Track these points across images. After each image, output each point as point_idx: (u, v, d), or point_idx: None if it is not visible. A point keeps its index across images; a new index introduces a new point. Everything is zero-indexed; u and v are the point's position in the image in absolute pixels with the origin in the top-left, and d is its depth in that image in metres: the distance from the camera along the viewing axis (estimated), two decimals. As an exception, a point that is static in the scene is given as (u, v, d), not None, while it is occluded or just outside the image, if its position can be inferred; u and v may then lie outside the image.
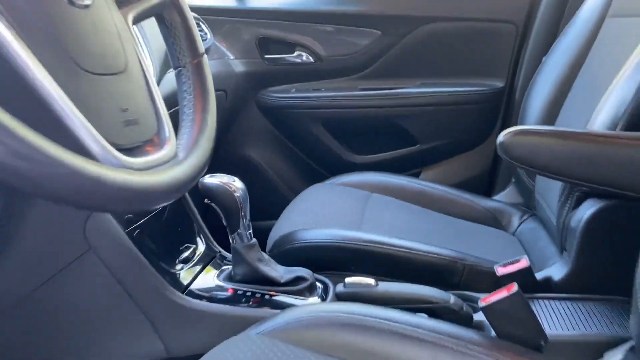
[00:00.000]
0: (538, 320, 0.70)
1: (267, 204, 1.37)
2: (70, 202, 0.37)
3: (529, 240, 1.18)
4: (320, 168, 1.72)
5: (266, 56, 1.65)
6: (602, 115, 0.86)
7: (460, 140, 1.60)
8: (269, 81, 1.67)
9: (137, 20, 0.55)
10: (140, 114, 0.47)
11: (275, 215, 1.20)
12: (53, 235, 0.77)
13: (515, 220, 1.29)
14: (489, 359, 0.64)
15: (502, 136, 0.74)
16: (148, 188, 0.41)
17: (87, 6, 0.46)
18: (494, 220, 1.30)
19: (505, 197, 1.47)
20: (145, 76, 0.51)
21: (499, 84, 1.57)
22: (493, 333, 0.71)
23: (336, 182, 1.36)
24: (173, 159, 0.48)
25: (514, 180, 1.46)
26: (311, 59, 1.66)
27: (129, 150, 0.44)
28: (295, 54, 1.67)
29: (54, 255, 0.77)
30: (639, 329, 0.60)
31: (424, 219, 1.22)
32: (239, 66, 1.59)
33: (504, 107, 1.58)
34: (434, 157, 1.66)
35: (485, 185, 1.61)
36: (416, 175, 1.62)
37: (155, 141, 0.48)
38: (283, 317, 0.68)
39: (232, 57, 1.59)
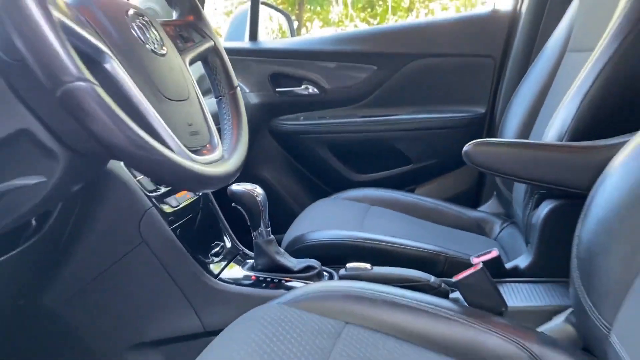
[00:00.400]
0: (499, 291, 0.86)
1: (278, 217, 1.47)
2: (163, 180, 0.56)
3: (507, 243, 1.32)
4: (325, 186, 1.82)
5: (277, 89, 1.77)
6: (552, 130, 1.04)
7: (448, 159, 1.70)
8: (280, 111, 1.79)
9: (191, 62, 0.75)
10: (199, 128, 0.67)
11: (285, 227, 1.33)
12: (115, 230, 0.95)
13: (497, 228, 1.42)
14: (459, 320, 0.79)
15: (466, 147, 0.93)
16: (211, 176, 0.61)
17: (164, 55, 0.66)
18: (479, 228, 1.44)
19: (488, 208, 1.58)
20: (199, 102, 0.71)
21: (481, 109, 1.70)
22: (465, 304, 0.87)
23: (340, 197, 1.49)
24: (221, 159, 0.68)
25: (495, 193, 1.59)
26: (317, 91, 1.77)
27: (193, 151, 0.63)
28: (303, 87, 1.78)
29: (116, 246, 0.95)
30: (575, 298, 0.78)
31: (416, 226, 1.36)
32: (253, 98, 1.73)
33: (486, 129, 1.70)
34: (426, 175, 1.77)
35: (472, 198, 1.72)
36: (411, 191, 1.73)
37: (208, 147, 0.68)
38: (298, 292, 0.84)
39: (247, 91, 1.73)
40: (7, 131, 0.59)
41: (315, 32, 9.03)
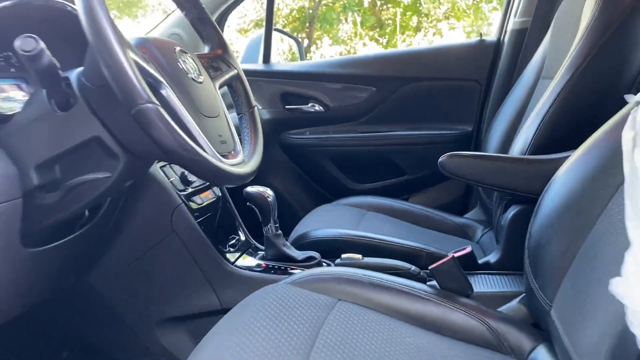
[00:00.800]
0: (466, 277, 1.03)
1: (284, 220, 1.58)
2: (200, 175, 0.76)
3: (487, 246, 1.46)
4: (327, 193, 1.96)
5: (287, 107, 1.92)
6: (518, 145, 1.22)
7: (439, 172, 1.75)
8: (289, 126, 1.93)
9: (220, 87, 0.95)
10: (226, 138, 0.87)
11: (291, 228, 1.47)
12: (150, 222, 1.13)
13: (479, 232, 1.57)
14: (432, 300, 0.95)
15: (441, 158, 1.12)
16: (235, 174, 0.80)
17: (201, 82, 0.87)
18: (463, 233, 1.59)
19: (473, 215, 1.73)
20: (227, 119, 0.91)
21: (468, 127, 1.86)
22: (438, 287, 1.05)
23: (340, 203, 1.64)
24: (242, 162, 0.87)
25: (479, 202, 1.75)
26: (322, 109, 1.91)
27: (222, 156, 0.82)
28: (309, 105, 1.92)
29: (151, 235, 1.14)
30: (525, 282, 0.94)
31: (405, 229, 1.52)
32: (265, 114, 1.90)
33: (473, 145, 1.85)
34: (419, 185, 1.91)
35: (459, 206, 1.87)
36: (405, 200, 1.84)
37: (232, 152, 0.87)
38: (300, 274, 1.01)
39: (260, 107, 1.89)
40: (83, 137, 0.80)
41: (325, 50, 9.19)
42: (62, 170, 0.82)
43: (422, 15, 9.50)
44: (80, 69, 0.80)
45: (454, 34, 9.26)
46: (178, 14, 1.77)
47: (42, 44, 0.70)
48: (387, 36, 9.84)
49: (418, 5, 9.36)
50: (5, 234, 0.80)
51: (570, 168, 0.94)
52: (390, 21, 9.94)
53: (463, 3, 9.48)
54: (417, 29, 9.95)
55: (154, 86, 0.74)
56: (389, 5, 9.79)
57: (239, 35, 8.63)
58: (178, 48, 0.85)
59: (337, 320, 0.87)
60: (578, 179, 0.90)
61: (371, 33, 9.93)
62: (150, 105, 0.67)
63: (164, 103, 0.73)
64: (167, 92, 0.75)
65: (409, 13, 9.62)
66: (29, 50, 0.69)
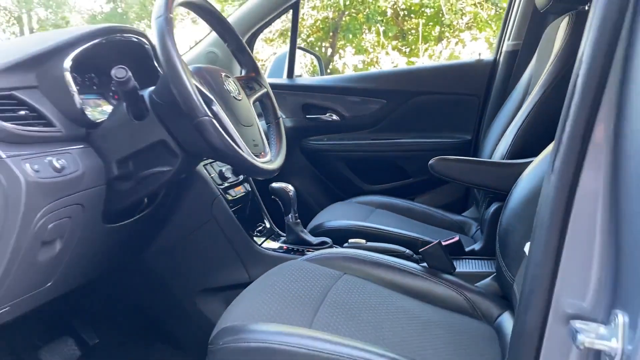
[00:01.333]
0: (450, 258, 1.25)
1: (302, 215, 1.70)
2: (240, 170, 1.02)
3: (479, 239, 1.71)
4: (341, 192, 2.14)
5: (307, 116, 2.12)
6: (499, 150, 1.46)
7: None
8: (309, 133, 2.13)
9: (253, 102, 1.22)
10: (258, 142, 1.13)
11: (308, 222, 1.66)
12: (195, 209, 1.39)
13: (474, 228, 1.75)
14: (421, 275, 1.17)
15: (431, 161, 1.36)
16: (265, 169, 1.06)
17: (240, 100, 1.13)
18: (460, 229, 1.79)
19: (469, 214, 1.92)
20: (259, 128, 1.18)
21: (467, 136, 2.06)
22: (427, 266, 1.28)
23: (352, 201, 1.86)
24: (270, 160, 1.14)
25: (475, 203, 1.94)
26: (338, 118, 2.11)
27: (255, 155, 1.08)
28: (327, 114, 2.11)
29: (194, 220, 1.40)
30: (496, 262, 1.17)
31: (407, 224, 1.74)
32: (288, 123, 2.11)
33: (471, 152, 2.04)
34: (423, 187, 2.11)
35: (458, 206, 2.06)
36: (410, 200, 1.99)
37: (262, 154, 1.14)
38: (314, 253, 1.24)
39: (284, 117, 2.09)
40: (152, 140, 1.07)
41: (348, 59, 9.35)
42: (135, 165, 1.09)
43: (445, 25, 9.60)
44: (151, 88, 1.07)
45: (476, 45, 9.34)
46: (214, 35, 2.04)
47: (129, 73, 0.98)
48: (409, 46, 9.97)
49: (440, 16, 9.48)
50: (93, 211, 1.07)
51: (532, 170, 1.18)
52: (413, 31, 10.08)
53: (485, 14, 9.56)
54: (439, 39, 10.05)
55: (208, 103, 1.01)
56: (412, 16, 9.90)
57: (265, 44, 8.92)
58: (223, 74, 1.12)
59: (342, 287, 1.11)
60: (537, 179, 1.12)
61: (394, 43, 10.05)
62: (206, 117, 0.93)
63: (215, 116, 1.00)
64: (217, 107, 1.02)
65: (431, 23, 9.74)
66: (121, 77, 0.96)
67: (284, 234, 1.52)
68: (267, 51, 8.99)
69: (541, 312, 0.59)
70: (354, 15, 9.46)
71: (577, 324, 0.55)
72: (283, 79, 2.18)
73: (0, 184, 0.82)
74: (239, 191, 1.49)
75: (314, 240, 1.47)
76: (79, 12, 12.55)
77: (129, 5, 12.17)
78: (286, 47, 2.17)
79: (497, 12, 9.20)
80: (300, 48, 2.29)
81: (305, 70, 2.76)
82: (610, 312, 0.54)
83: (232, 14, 1.98)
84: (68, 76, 1.00)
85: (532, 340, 0.59)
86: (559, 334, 0.58)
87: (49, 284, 1.04)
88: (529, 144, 1.36)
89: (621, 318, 0.51)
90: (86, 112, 1.04)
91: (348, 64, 9.15)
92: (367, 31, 9.77)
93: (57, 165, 0.92)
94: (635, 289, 0.50)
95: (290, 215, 1.46)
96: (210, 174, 1.40)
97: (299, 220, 1.47)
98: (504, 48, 2.00)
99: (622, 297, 0.53)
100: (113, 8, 12.43)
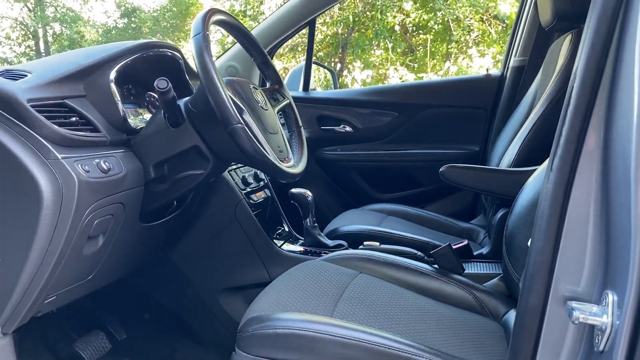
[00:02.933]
0: (459, 259, 1.33)
1: (318, 222, 1.75)
2: (267, 173, 1.12)
3: (486, 245, 1.79)
4: (354, 201, 2.21)
5: (322, 127, 2.20)
6: (506, 159, 1.54)
7: (451, 185, 1.95)
8: (323, 143, 2.20)
9: (277, 112, 1.32)
10: (283, 149, 1.23)
11: (322, 229, 1.72)
12: (220, 212, 1.48)
13: (481, 235, 1.82)
14: (432, 275, 1.25)
15: (442, 168, 1.45)
16: (289, 173, 1.16)
17: (267, 109, 1.23)
18: (468, 236, 1.85)
19: (477, 221, 1.98)
20: (282, 135, 1.27)
21: (476, 147, 2.13)
22: (438, 267, 1.35)
23: (365, 208, 1.93)
24: (293, 165, 1.23)
25: (483, 211, 2.02)
26: (351, 130, 2.18)
27: (280, 160, 1.18)
28: (341, 126, 2.19)
29: (219, 222, 1.48)
30: (503, 263, 1.25)
31: (418, 230, 1.81)
32: (304, 134, 2.20)
33: (479, 162, 2.10)
34: (433, 196, 2.18)
35: (467, 214, 2.13)
36: (421, 208, 2.05)
37: (286, 159, 1.23)
38: (332, 254, 1.32)
39: None
40: (186, 146, 1.17)
41: (357, 75, 9.48)
42: (170, 168, 1.19)
43: (452, 41, 9.72)
44: (187, 98, 1.17)
45: (483, 61, 9.43)
46: (234, 49, 2.15)
47: (170, 84, 1.08)
48: (417, 62, 10.09)
49: (448, 32, 9.60)
50: (132, 210, 1.17)
51: (536, 177, 1.26)
52: (421, 47, 10.20)
53: (493, 30, 9.67)
54: (447, 54, 10.16)
55: (240, 112, 1.10)
56: (420, 32, 10.03)
57: (276, 59, 9.07)
58: (252, 85, 1.22)
59: (359, 284, 1.19)
60: (541, 184, 1.19)
61: (402, 58, 10.17)
62: (239, 125, 1.03)
63: (246, 123, 1.10)
64: (247, 116, 1.11)
65: (439, 39, 9.86)
66: (163, 88, 1.06)
67: (302, 237, 1.60)
68: (277, 65, 9.11)
69: (542, 294, 0.67)
70: (363, 31, 9.61)
71: (574, 303, 0.63)
72: (299, 92, 2.26)
73: (57, 181, 0.92)
74: (260, 196, 1.58)
75: (331, 243, 1.56)
76: (93, 27, 12.84)
77: (142, 20, 12.45)
78: (295, 62, 2.26)
79: (504, 29, 9.32)
80: (315, 63, 2.38)
81: (319, 84, 2.86)
82: (602, 293, 0.62)
83: (252, 30, 2.09)
84: (113, 87, 1.10)
85: (535, 318, 0.67)
86: (558, 312, 0.66)
87: (90, 277, 1.14)
88: (533, 153, 1.45)
89: (611, 297, 0.60)
90: (128, 120, 1.14)
91: (357, 78, 9.27)
92: (375, 47, 9.90)
93: (104, 167, 1.02)
94: (623, 272, 0.58)
95: (308, 219, 1.54)
96: (234, 179, 1.49)
97: (316, 224, 1.56)
98: (511, 64, 2.08)
99: (611, 279, 0.62)
100: (127, 23, 12.72)
